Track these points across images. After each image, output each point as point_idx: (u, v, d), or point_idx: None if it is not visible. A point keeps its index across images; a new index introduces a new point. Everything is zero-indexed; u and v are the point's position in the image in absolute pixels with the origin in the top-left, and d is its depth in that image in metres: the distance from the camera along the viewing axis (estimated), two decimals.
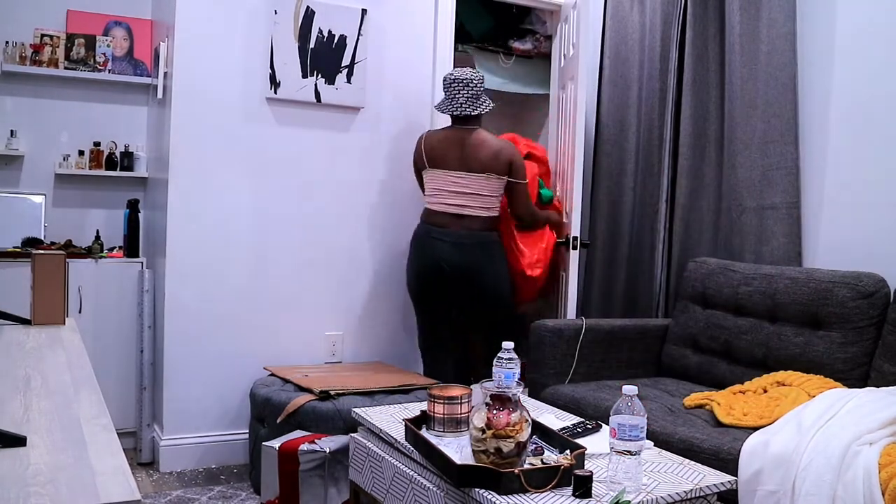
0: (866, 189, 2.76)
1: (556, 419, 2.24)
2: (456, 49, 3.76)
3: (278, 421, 2.75)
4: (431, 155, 3.21)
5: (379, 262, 3.53)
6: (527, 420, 1.72)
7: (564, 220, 3.62)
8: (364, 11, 3.36)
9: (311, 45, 3.26)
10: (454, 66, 3.65)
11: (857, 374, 2.49)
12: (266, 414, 2.86)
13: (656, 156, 3.57)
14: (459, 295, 3.20)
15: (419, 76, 3.56)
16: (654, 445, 2.07)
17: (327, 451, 2.52)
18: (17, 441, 1.03)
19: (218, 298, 3.21)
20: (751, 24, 3.06)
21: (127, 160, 3.58)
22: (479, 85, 3.21)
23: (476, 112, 3.20)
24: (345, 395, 2.81)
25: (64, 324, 2.01)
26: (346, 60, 3.34)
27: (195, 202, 3.15)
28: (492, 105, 3.25)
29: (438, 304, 3.27)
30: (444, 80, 3.23)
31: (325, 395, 2.79)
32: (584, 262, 3.87)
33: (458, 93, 3.18)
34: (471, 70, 3.25)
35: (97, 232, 3.48)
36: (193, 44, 3.10)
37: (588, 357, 3.04)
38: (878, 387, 2.35)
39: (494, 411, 1.70)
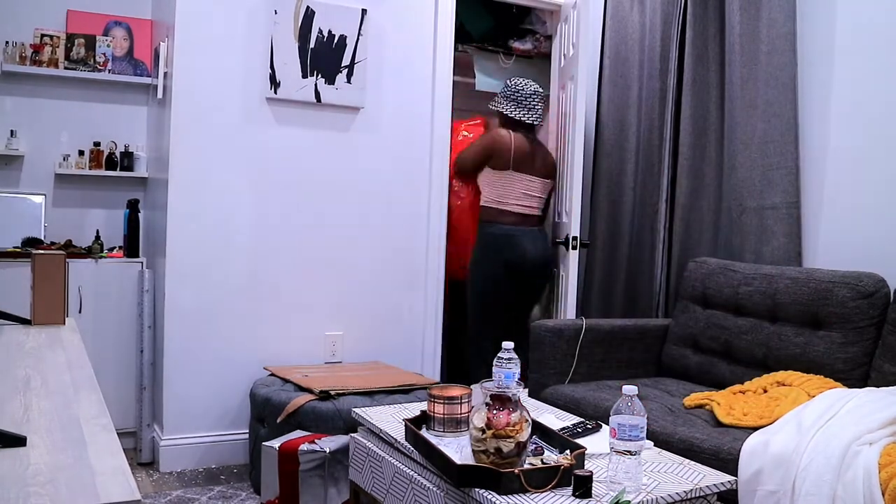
0: (866, 189, 2.76)
1: (556, 419, 2.24)
2: (456, 49, 3.76)
3: (278, 421, 2.75)
4: (519, 159, 3.55)
5: (379, 261, 3.53)
6: (527, 420, 1.72)
7: (563, 219, 3.63)
8: (364, 11, 3.36)
9: (311, 45, 3.26)
10: (454, 67, 3.66)
11: (857, 374, 2.49)
12: (266, 414, 2.86)
13: (656, 156, 3.57)
14: (535, 285, 3.65)
15: (419, 76, 3.56)
16: (654, 445, 2.07)
17: (327, 451, 2.52)
18: (17, 441, 1.03)
19: (218, 298, 3.21)
20: (751, 24, 3.06)
21: (127, 160, 3.58)
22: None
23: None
24: (345, 395, 2.81)
25: (64, 324, 2.00)
26: (346, 60, 3.34)
27: (195, 202, 3.15)
28: None
29: (510, 296, 3.61)
30: (522, 89, 3.58)
31: (325, 395, 2.79)
32: (584, 262, 3.87)
33: (539, 104, 3.62)
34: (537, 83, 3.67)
35: (97, 232, 3.48)
36: (193, 44, 3.10)
37: (588, 357, 3.04)
38: (878, 387, 2.35)
39: (494, 411, 1.70)
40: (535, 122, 3.61)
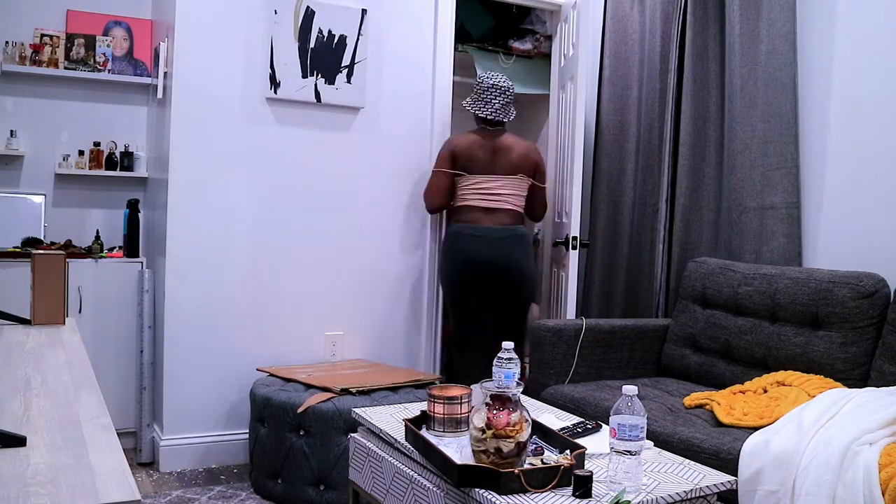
0: (866, 189, 2.76)
1: (556, 419, 2.24)
2: (456, 49, 3.76)
3: (298, 411, 2.74)
4: (463, 161, 3.33)
5: (378, 261, 3.53)
6: (527, 420, 1.72)
7: (563, 220, 3.62)
8: (364, 11, 3.36)
9: (311, 45, 3.26)
10: (454, 67, 3.66)
11: (857, 374, 2.49)
12: (266, 414, 2.86)
13: (656, 156, 3.57)
14: (494, 287, 3.33)
15: (419, 76, 3.56)
16: (654, 445, 2.06)
17: None
18: (17, 441, 1.03)
19: (218, 298, 3.21)
20: (751, 24, 3.06)
21: (127, 160, 3.58)
22: (512, 94, 3.41)
23: (507, 120, 3.41)
24: (366, 391, 2.82)
25: (64, 324, 2.01)
26: (346, 60, 3.34)
27: (195, 202, 3.15)
28: (514, 114, 3.46)
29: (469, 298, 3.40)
30: (482, 82, 3.37)
31: (345, 393, 2.79)
32: (584, 262, 3.87)
33: (495, 98, 3.34)
34: (506, 78, 3.42)
35: (97, 232, 3.48)
36: (193, 44, 3.10)
37: (588, 357, 3.04)
38: (878, 387, 2.35)
39: (494, 411, 1.70)
40: (489, 117, 3.33)
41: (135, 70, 3.58)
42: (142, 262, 3.38)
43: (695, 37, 3.35)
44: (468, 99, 3.41)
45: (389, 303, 3.56)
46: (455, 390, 2.06)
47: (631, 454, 1.66)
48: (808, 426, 2.03)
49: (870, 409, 2.06)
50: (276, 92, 3.22)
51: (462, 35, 4.20)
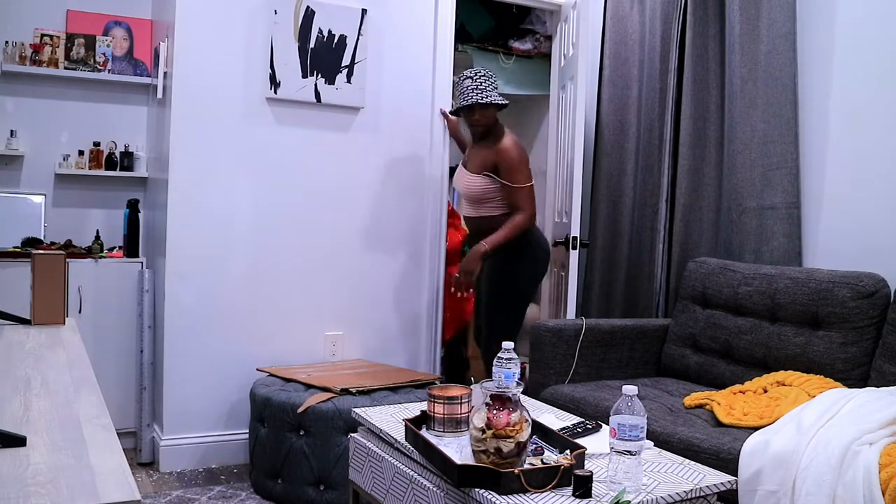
0: (866, 189, 2.76)
1: (556, 419, 2.24)
2: (456, 49, 3.76)
3: (298, 411, 2.74)
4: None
5: (378, 261, 3.53)
6: (527, 420, 1.72)
7: (564, 220, 3.63)
8: (364, 11, 3.36)
9: (311, 45, 3.26)
10: (454, 67, 3.66)
11: (857, 374, 2.49)
12: (266, 414, 2.86)
13: (656, 156, 3.57)
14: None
15: (419, 76, 3.56)
16: (654, 445, 2.06)
17: None
18: (17, 441, 1.03)
19: (218, 298, 3.21)
20: (751, 24, 3.06)
21: (127, 160, 3.58)
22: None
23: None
24: (366, 391, 2.82)
25: (64, 324, 2.00)
26: (346, 60, 3.34)
27: (195, 202, 3.15)
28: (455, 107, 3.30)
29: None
30: (458, 81, 3.18)
31: (346, 393, 2.79)
32: (584, 262, 3.87)
33: (464, 81, 3.15)
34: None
35: (97, 232, 3.48)
36: (193, 44, 3.10)
37: (588, 357, 3.04)
38: (878, 387, 2.35)
39: (494, 411, 1.70)
40: (461, 104, 3.14)
41: (135, 70, 3.58)
42: (142, 262, 3.38)
43: (695, 37, 3.35)
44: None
45: (389, 303, 3.56)
46: (455, 390, 2.06)
47: (631, 454, 1.66)
48: (808, 426, 2.03)
49: (870, 409, 2.06)
50: (276, 92, 3.22)
51: (462, 35, 4.20)
